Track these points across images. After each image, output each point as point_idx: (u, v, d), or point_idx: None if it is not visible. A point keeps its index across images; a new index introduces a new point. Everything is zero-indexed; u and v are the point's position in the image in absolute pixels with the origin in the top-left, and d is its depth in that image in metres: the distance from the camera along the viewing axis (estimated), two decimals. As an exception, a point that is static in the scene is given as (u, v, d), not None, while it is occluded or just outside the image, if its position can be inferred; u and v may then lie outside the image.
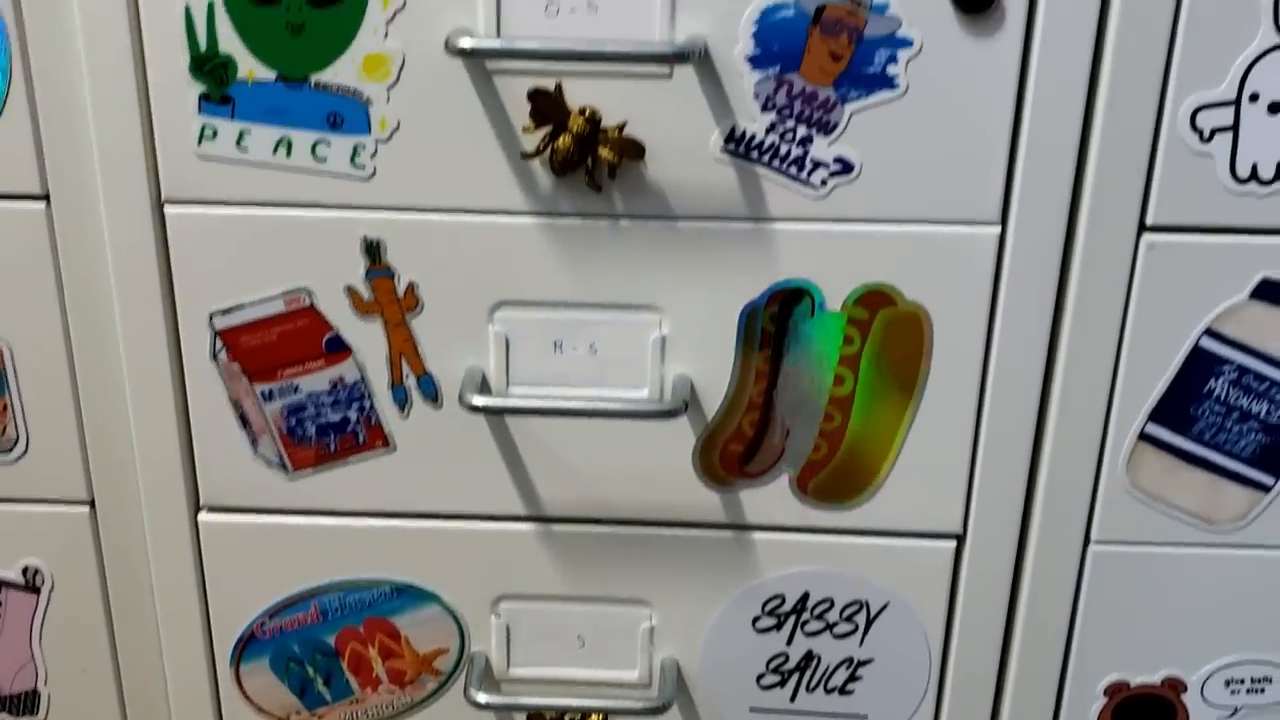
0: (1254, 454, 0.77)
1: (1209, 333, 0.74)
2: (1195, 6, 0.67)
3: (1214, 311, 0.74)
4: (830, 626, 0.83)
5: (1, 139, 0.73)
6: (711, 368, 0.77)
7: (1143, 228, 0.72)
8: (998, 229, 0.73)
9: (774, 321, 0.75)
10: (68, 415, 0.79)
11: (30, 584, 0.84)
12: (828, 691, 0.85)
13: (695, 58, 0.67)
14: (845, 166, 0.71)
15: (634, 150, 0.71)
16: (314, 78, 0.70)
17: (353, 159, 0.72)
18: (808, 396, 0.77)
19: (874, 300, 0.75)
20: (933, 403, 0.77)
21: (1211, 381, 0.75)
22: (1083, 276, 0.73)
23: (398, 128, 0.71)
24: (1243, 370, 0.75)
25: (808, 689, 0.85)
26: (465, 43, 0.66)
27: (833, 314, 0.75)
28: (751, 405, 0.78)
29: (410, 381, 0.77)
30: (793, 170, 0.72)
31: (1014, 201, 0.72)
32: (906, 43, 0.69)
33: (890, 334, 0.75)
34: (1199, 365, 0.75)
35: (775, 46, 0.69)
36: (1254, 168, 0.70)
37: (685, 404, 0.75)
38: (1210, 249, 0.72)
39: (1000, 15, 0.68)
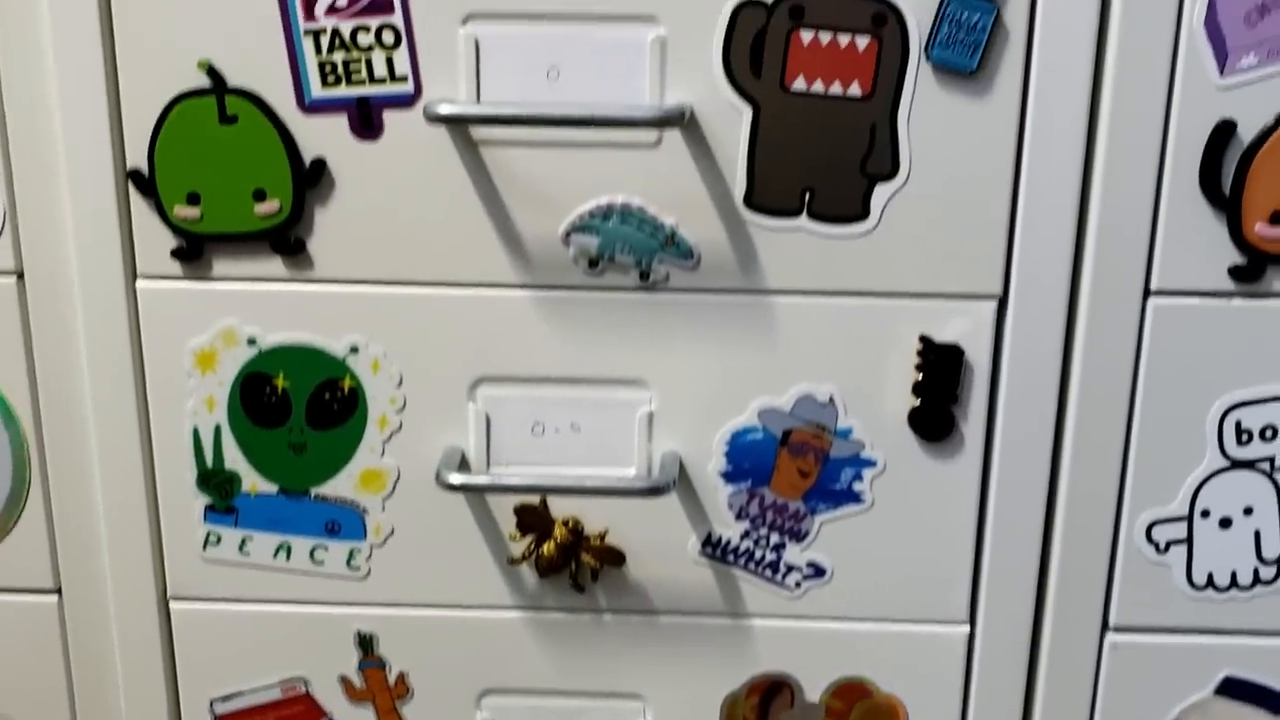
0: (1229, 841, 0.78)
1: (1176, 724, 0.76)
2: (1145, 430, 0.71)
3: (1180, 706, 0.76)
4: None
5: (20, 539, 0.77)
6: (694, 751, 0.79)
7: (1105, 628, 0.75)
8: (966, 628, 0.76)
9: (755, 710, 0.78)
10: (71, 791, 0.82)
11: None
12: None
13: (669, 489, 0.70)
14: (817, 570, 0.75)
15: (615, 558, 0.74)
16: (314, 490, 0.75)
17: (349, 561, 0.76)
18: (788, 782, 0.79)
19: (850, 691, 0.77)
20: (911, 786, 0.79)
21: (1181, 769, 0.77)
22: (1050, 672, 0.75)
23: (392, 533, 0.75)
24: (1212, 761, 0.77)
25: None
26: (454, 479, 0.70)
27: (811, 704, 0.77)
28: (734, 789, 0.80)
29: (401, 764, 0.80)
30: (768, 573, 0.75)
31: (981, 603, 0.75)
32: (870, 463, 0.72)
33: (867, 723, 0.78)
34: (1169, 756, 0.77)
35: (746, 464, 0.73)
36: (1209, 576, 0.73)
37: (666, 798, 0.77)
38: (1172, 649, 0.75)
39: (959, 440, 0.72)
